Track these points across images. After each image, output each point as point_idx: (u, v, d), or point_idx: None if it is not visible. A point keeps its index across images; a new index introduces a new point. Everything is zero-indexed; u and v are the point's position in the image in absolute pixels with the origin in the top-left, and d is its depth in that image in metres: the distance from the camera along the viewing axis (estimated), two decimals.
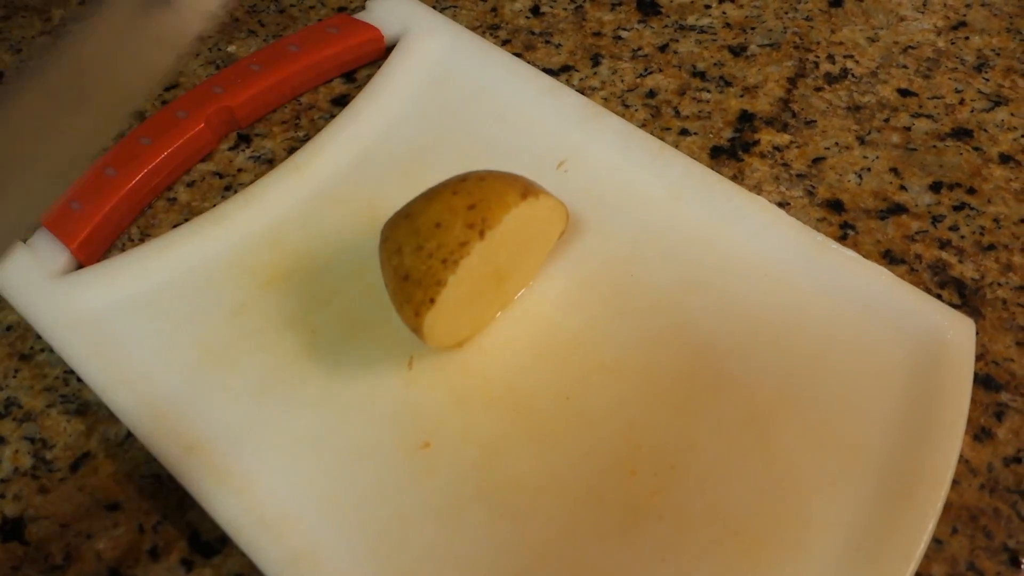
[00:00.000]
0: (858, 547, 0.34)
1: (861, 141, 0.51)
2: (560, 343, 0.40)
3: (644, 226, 0.44)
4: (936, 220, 0.47)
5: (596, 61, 0.55)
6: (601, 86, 0.54)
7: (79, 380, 0.41)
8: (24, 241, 0.44)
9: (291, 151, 0.50)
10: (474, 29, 0.57)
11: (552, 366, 0.40)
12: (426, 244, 0.36)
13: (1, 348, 0.43)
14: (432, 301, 0.35)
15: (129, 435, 0.40)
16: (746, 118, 0.52)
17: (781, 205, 0.47)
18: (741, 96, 0.53)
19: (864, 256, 0.42)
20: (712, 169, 0.46)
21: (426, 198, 0.38)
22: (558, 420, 0.38)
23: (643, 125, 0.51)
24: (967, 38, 0.57)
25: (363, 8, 0.57)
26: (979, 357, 0.41)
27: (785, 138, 0.51)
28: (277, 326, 0.41)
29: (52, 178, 0.24)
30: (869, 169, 0.49)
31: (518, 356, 0.40)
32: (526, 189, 0.38)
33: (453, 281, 0.35)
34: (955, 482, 0.37)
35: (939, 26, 0.57)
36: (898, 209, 0.47)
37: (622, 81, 0.54)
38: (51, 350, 0.42)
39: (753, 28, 0.57)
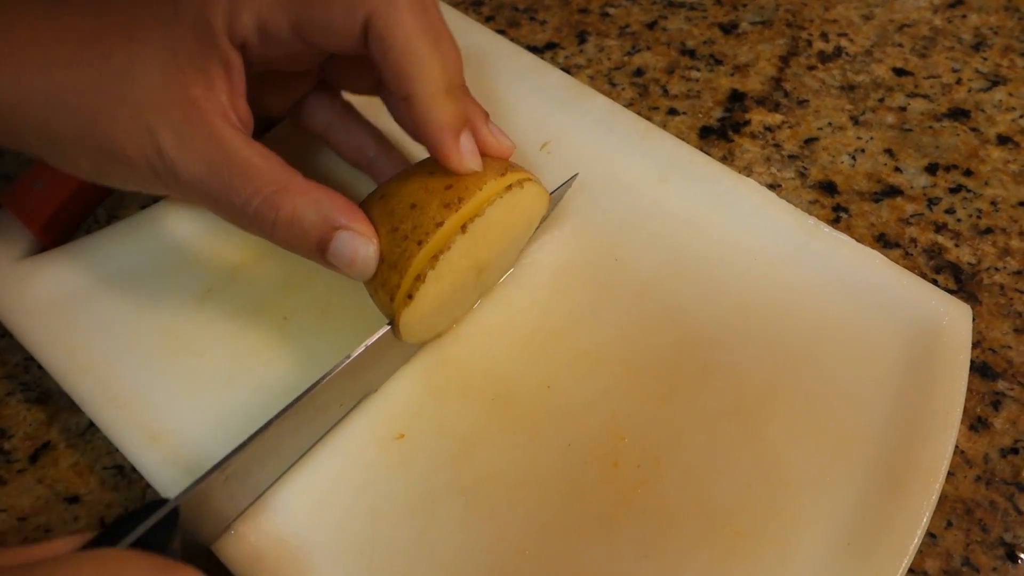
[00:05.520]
0: (849, 542, 0.33)
1: (855, 121, 0.49)
2: (541, 331, 0.39)
3: (630, 210, 0.43)
4: (932, 203, 0.45)
5: (582, 38, 0.54)
6: (587, 64, 0.52)
7: (40, 368, 0.40)
8: None
9: (264, 131, 0.48)
10: (456, 6, 0.55)
11: (532, 355, 0.38)
12: (401, 225, 0.34)
13: None
14: (409, 297, 0.34)
15: (91, 425, 0.38)
16: (737, 97, 0.50)
17: (772, 187, 0.46)
18: (732, 75, 0.52)
19: (857, 240, 0.41)
20: (701, 150, 0.45)
21: (401, 178, 0.36)
22: (538, 411, 0.37)
23: (630, 104, 0.50)
24: (964, 16, 0.55)
25: None
26: (976, 344, 0.40)
27: (777, 118, 0.49)
28: (247, 311, 0.40)
29: None
30: (863, 150, 0.48)
31: (497, 345, 0.39)
32: (505, 169, 0.36)
33: (432, 277, 0.34)
34: (950, 474, 0.36)
35: (936, 4, 0.56)
36: (893, 191, 0.46)
37: (609, 59, 0.52)
38: (11, 336, 0.40)
39: (744, 5, 0.56)
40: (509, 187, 0.35)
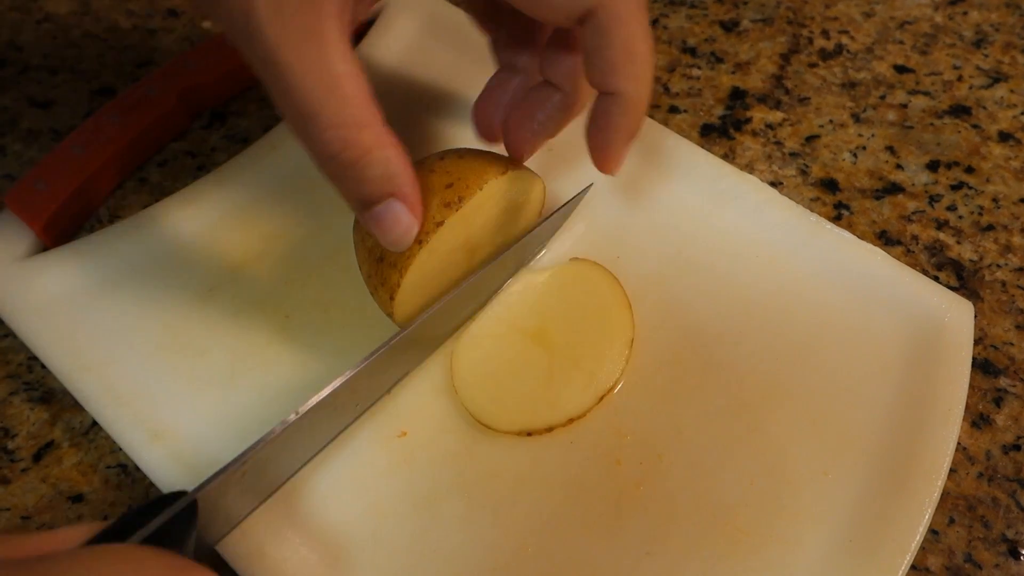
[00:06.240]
0: (851, 538, 0.33)
1: (856, 119, 0.49)
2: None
3: (631, 207, 0.43)
4: (933, 200, 0.45)
5: None
6: None
7: (43, 367, 0.40)
8: None
9: (267, 129, 0.48)
10: (455, 3, 0.55)
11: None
12: None
13: None
14: (401, 277, 0.34)
15: (94, 423, 0.38)
16: (738, 95, 0.50)
17: (773, 185, 0.46)
18: (733, 72, 0.52)
19: (859, 237, 0.41)
20: (702, 148, 0.45)
21: None
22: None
23: None
24: (965, 13, 0.55)
25: None
26: (977, 341, 0.40)
27: (778, 116, 0.49)
28: (249, 310, 0.40)
29: None
30: (864, 147, 0.48)
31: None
32: (506, 167, 0.36)
33: (422, 253, 0.34)
34: (952, 470, 0.36)
35: (937, 1, 0.56)
36: (894, 188, 0.46)
37: None
38: (14, 336, 0.40)
39: (745, 3, 0.56)
40: (504, 173, 0.36)
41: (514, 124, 0.36)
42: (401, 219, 0.31)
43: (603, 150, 0.34)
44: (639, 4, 0.31)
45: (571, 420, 0.36)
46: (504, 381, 0.37)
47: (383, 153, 0.30)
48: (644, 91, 0.32)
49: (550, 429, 0.36)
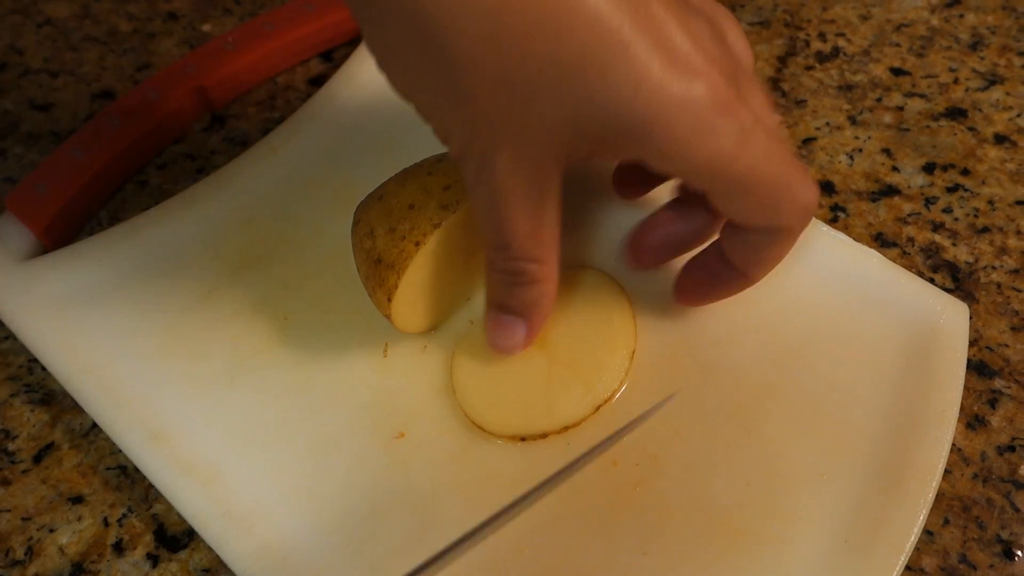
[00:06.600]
0: (847, 539, 0.33)
1: (853, 121, 0.49)
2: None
3: (630, 213, 0.43)
4: (929, 202, 0.46)
5: None
6: None
7: (43, 369, 0.40)
8: None
9: (266, 132, 0.48)
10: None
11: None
12: (399, 226, 0.35)
13: None
14: (399, 279, 0.34)
15: (94, 425, 0.39)
16: None
17: None
18: None
19: (855, 239, 0.41)
20: None
21: (400, 179, 0.36)
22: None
23: None
24: (961, 16, 0.55)
25: None
26: (972, 343, 0.40)
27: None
28: (248, 312, 0.40)
29: None
30: (861, 150, 0.48)
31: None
32: None
33: (419, 255, 0.34)
34: (947, 471, 0.36)
35: (933, 3, 0.56)
36: (890, 191, 0.46)
37: None
38: (14, 338, 0.40)
39: (742, 5, 0.56)
40: None
41: (687, 284, 0.38)
42: (516, 336, 0.35)
43: (696, 296, 0.38)
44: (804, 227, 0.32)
45: (566, 428, 0.36)
46: (502, 385, 0.37)
47: (545, 287, 0.33)
48: (760, 277, 0.35)
49: (544, 435, 0.36)
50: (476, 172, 0.30)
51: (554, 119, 0.28)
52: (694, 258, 0.37)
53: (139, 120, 0.47)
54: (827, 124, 0.49)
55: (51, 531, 0.36)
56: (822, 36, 0.54)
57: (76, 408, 0.39)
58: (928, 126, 0.49)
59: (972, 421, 0.38)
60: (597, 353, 0.38)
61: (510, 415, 0.36)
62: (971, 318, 0.39)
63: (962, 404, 0.36)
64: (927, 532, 0.35)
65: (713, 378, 0.38)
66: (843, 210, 0.45)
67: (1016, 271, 0.43)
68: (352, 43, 0.53)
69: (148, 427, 0.36)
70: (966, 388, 0.37)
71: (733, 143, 0.28)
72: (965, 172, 0.47)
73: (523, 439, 0.36)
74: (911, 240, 0.44)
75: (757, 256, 0.33)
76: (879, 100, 0.50)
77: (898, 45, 0.53)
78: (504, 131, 0.28)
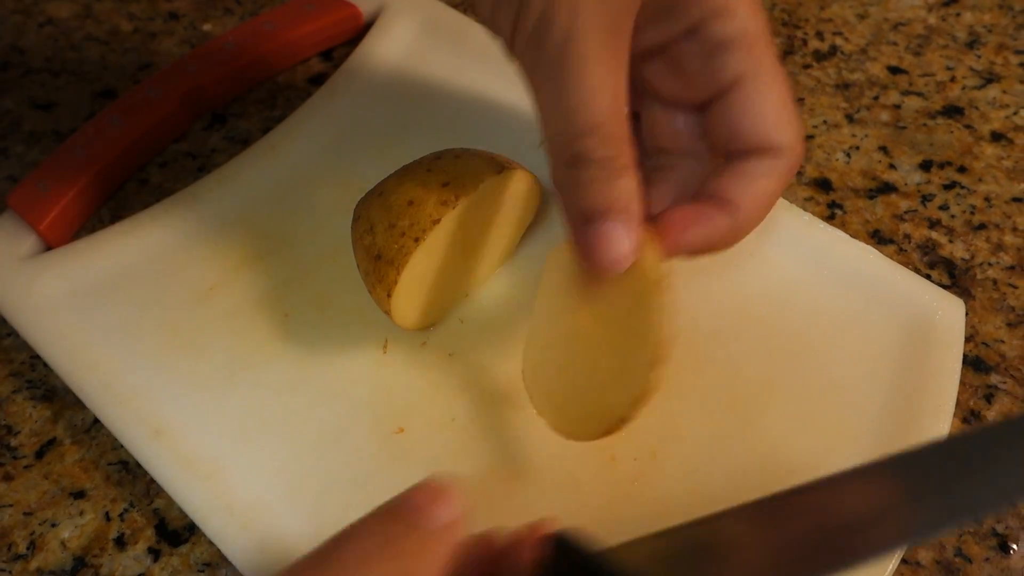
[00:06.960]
0: None
1: (850, 119, 0.50)
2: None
3: None
4: (926, 199, 0.46)
5: None
6: None
7: (45, 365, 0.40)
8: None
9: (266, 131, 0.48)
10: (453, 6, 0.55)
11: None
12: (398, 222, 0.35)
13: None
14: (398, 275, 0.34)
15: (96, 421, 0.39)
16: None
17: None
18: None
19: (852, 236, 0.41)
20: None
21: (400, 176, 0.37)
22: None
23: None
24: (958, 14, 0.55)
25: None
26: (969, 338, 0.40)
27: None
28: (248, 309, 0.40)
29: None
30: (858, 147, 0.48)
31: (495, 338, 0.39)
32: (502, 166, 0.37)
33: (419, 251, 0.34)
34: None
35: (930, 2, 0.56)
36: (887, 188, 0.46)
37: None
38: (17, 334, 0.40)
39: None
40: (500, 172, 0.36)
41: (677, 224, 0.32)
42: (625, 242, 0.29)
43: (713, 212, 0.31)
44: (782, 87, 0.30)
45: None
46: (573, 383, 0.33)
47: (636, 176, 0.29)
48: (801, 150, 0.31)
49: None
50: (560, 44, 0.27)
51: None
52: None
53: (140, 119, 0.47)
54: (824, 122, 0.49)
55: (53, 525, 0.36)
56: (819, 35, 0.54)
57: (78, 404, 0.39)
58: (925, 124, 0.49)
59: (968, 416, 0.38)
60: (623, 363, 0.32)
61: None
62: (967, 314, 0.40)
63: (958, 399, 0.37)
64: None
65: (711, 373, 0.38)
66: (840, 207, 0.45)
67: (1012, 267, 0.43)
68: (352, 43, 0.54)
69: (150, 423, 0.36)
70: (962, 383, 0.38)
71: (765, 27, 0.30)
72: (962, 169, 0.47)
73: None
74: (908, 237, 0.44)
75: (751, 187, 0.30)
76: (876, 98, 0.51)
77: (895, 44, 0.54)
78: None
